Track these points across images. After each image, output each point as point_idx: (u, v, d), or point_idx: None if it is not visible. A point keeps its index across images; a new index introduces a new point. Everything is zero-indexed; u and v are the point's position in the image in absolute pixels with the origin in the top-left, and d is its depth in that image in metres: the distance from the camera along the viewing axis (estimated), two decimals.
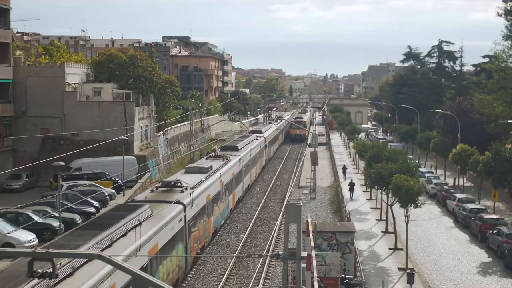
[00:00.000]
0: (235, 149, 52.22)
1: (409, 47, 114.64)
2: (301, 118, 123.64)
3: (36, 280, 14.43)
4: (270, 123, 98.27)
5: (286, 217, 17.04)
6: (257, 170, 61.37)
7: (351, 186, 54.01)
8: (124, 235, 21.68)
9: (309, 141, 75.38)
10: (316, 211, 47.35)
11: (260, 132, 74.52)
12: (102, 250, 19.29)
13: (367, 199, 52.52)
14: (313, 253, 19.82)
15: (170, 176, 42.80)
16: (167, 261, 25.75)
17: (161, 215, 25.62)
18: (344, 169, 66.50)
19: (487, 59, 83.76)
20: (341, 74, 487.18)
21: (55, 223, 36.11)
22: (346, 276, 27.56)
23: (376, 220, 44.44)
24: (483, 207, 43.90)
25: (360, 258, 32.73)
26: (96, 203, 43.62)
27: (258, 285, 29.42)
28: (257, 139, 64.17)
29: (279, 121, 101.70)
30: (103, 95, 64.51)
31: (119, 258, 16.52)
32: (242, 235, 39.56)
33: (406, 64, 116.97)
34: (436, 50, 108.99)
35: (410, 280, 27.76)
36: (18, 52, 65.29)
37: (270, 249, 35.97)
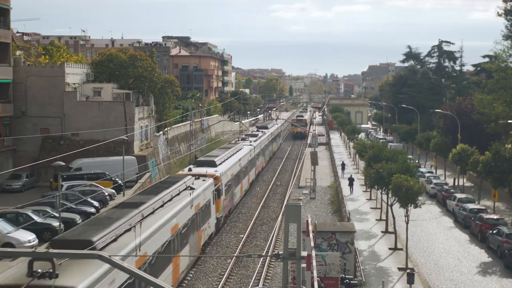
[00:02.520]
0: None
1: (409, 47, 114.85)
2: (302, 116, 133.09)
3: None
4: (244, 139, 65.37)
5: (286, 217, 17.03)
6: (177, 270, 27.98)
7: (351, 181, 56.09)
8: None
9: (309, 141, 75.15)
10: (316, 211, 47.35)
11: (212, 164, 42.56)
12: None
13: (367, 199, 52.54)
14: (313, 253, 19.83)
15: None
16: None
17: None
18: (343, 166, 67.62)
19: (487, 59, 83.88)
20: (341, 74, 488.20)
21: (55, 223, 36.12)
22: (346, 276, 27.56)
23: (376, 220, 44.45)
24: (483, 207, 43.89)
25: (360, 258, 32.73)
26: (96, 203, 43.62)
27: (258, 285, 29.42)
28: (191, 190, 31.48)
29: (261, 133, 73.17)
30: (103, 95, 64.50)
31: None
32: (242, 235, 39.57)
33: (406, 64, 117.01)
34: (436, 50, 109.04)
35: (410, 280, 27.78)
36: (18, 52, 65.28)
37: (270, 249, 35.97)
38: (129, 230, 21.98)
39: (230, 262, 32.75)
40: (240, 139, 66.62)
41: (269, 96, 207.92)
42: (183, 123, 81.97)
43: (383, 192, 39.90)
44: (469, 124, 63.36)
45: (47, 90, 58.95)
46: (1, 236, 33.76)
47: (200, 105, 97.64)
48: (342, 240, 29.16)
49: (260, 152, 64.85)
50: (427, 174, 59.39)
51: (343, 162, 69.86)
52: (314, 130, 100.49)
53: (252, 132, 78.94)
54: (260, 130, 79.10)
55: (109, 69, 68.83)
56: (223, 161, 45.40)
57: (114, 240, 20.80)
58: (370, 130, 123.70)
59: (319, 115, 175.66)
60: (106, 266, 17.44)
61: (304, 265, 17.95)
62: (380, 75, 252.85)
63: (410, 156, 58.59)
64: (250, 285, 29.52)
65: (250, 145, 59.83)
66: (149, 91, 68.95)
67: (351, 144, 77.35)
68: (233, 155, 50.00)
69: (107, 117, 58.60)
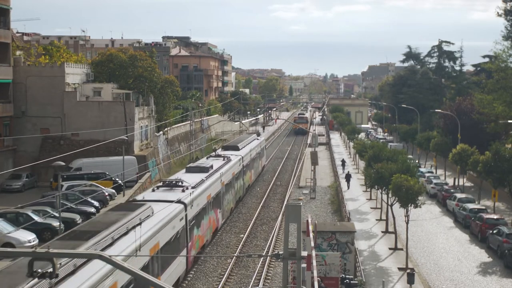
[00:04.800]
0: None
1: (409, 47, 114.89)
2: (303, 114, 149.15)
3: None
4: (173, 185, 33.33)
5: (286, 217, 17.03)
6: None
7: (348, 177, 58.01)
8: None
9: (309, 140, 75.09)
10: (316, 211, 47.35)
11: None
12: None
13: (367, 199, 52.53)
14: (313, 253, 19.81)
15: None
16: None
17: None
18: (343, 163, 69.61)
19: (487, 59, 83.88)
20: (341, 74, 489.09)
21: (55, 223, 36.14)
22: (346, 276, 27.55)
23: (376, 220, 44.44)
24: (483, 207, 43.88)
25: (360, 258, 32.72)
26: (96, 203, 43.64)
27: (258, 285, 29.42)
28: None
29: (221, 163, 44.35)
30: (103, 95, 64.51)
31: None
32: (242, 235, 39.56)
33: (406, 64, 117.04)
34: (436, 50, 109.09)
35: (410, 280, 27.78)
36: (18, 52, 65.29)
37: (270, 249, 35.97)
38: None
39: (230, 262, 32.75)
40: (164, 184, 33.59)
41: (269, 96, 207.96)
42: (183, 123, 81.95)
43: (383, 192, 39.89)
44: (469, 124, 63.34)
45: (47, 90, 58.95)
46: (1, 236, 33.78)
47: (200, 105, 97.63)
48: (342, 240, 29.15)
49: (205, 209, 34.65)
50: (427, 174, 59.38)
51: (343, 159, 71.80)
52: (314, 130, 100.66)
53: (207, 160, 46.12)
54: (225, 154, 48.90)
55: (109, 69, 68.86)
56: None
57: None
58: (370, 130, 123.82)
59: (319, 115, 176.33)
60: None
61: (304, 265, 17.95)
62: (380, 75, 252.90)
63: (410, 156, 58.61)
64: (250, 285, 29.52)
65: (179, 201, 29.28)
66: (149, 91, 68.96)
67: (351, 144, 77.45)
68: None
69: (107, 117, 58.61)
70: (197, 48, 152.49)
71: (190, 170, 39.32)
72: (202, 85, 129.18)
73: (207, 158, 48.40)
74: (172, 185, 33.22)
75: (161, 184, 34.05)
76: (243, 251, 36.18)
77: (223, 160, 45.74)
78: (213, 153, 49.90)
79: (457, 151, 51.46)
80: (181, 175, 37.77)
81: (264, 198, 52.72)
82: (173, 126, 77.02)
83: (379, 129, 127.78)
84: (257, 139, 66.28)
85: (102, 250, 20.28)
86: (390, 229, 39.35)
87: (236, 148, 54.27)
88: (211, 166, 40.67)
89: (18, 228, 34.55)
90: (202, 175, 37.09)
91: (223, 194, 40.77)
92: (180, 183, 33.28)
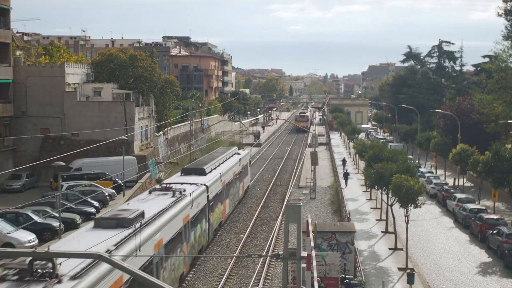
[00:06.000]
0: None
1: (409, 47, 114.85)
2: (304, 113, 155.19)
3: None
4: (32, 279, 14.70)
5: (286, 217, 17.04)
6: None
7: (346, 175, 59.53)
8: None
9: (309, 140, 75.17)
10: (316, 211, 47.35)
11: None
12: None
13: (367, 199, 52.53)
14: (313, 253, 19.81)
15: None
16: None
17: None
18: (344, 162, 70.88)
19: (487, 59, 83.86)
20: (341, 74, 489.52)
21: (55, 223, 36.13)
22: (346, 276, 27.56)
23: (376, 220, 44.43)
24: (483, 207, 43.87)
25: (360, 258, 32.72)
26: (96, 203, 43.64)
27: (258, 285, 29.42)
28: None
29: (151, 208, 25.81)
30: (103, 95, 64.51)
31: None
32: (242, 235, 39.57)
33: (406, 64, 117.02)
34: (436, 50, 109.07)
35: (410, 280, 27.79)
36: (18, 52, 65.26)
37: (270, 249, 35.97)
38: None
39: (230, 262, 32.75)
40: (21, 272, 14.90)
41: (269, 96, 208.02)
42: (183, 123, 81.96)
43: (383, 192, 39.89)
44: (469, 124, 63.34)
45: (47, 90, 58.96)
46: (1, 236, 33.77)
47: (200, 105, 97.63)
48: (342, 240, 29.15)
49: None
50: (427, 174, 59.36)
51: (344, 158, 72.98)
52: (314, 130, 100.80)
53: (147, 197, 30.00)
54: (182, 182, 34.04)
55: (109, 69, 68.86)
56: None
57: None
58: (370, 130, 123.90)
59: (319, 115, 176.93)
60: None
61: (304, 265, 17.95)
62: (380, 75, 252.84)
63: (410, 156, 58.69)
64: (250, 285, 29.52)
65: None
66: (149, 91, 68.96)
67: (351, 144, 77.51)
68: None
69: (107, 117, 58.61)
70: (197, 48, 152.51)
71: (100, 225, 23.06)
72: (202, 85, 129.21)
73: (149, 192, 31.04)
74: (33, 279, 14.84)
75: (13, 271, 15.46)
76: (243, 251, 36.18)
77: (172, 196, 29.60)
78: (158, 186, 32.08)
79: (457, 151, 51.44)
80: (83, 234, 22.43)
81: (264, 198, 52.73)
82: (173, 126, 77.03)
83: (379, 129, 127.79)
84: (238, 153, 51.89)
85: None
86: (390, 229, 39.35)
87: (201, 172, 38.43)
88: (141, 215, 24.27)
89: (18, 228, 34.54)
90: (117, 236, 21.12)
91: (160, 263, 24.42)
92: (48, 271, 14.91)
